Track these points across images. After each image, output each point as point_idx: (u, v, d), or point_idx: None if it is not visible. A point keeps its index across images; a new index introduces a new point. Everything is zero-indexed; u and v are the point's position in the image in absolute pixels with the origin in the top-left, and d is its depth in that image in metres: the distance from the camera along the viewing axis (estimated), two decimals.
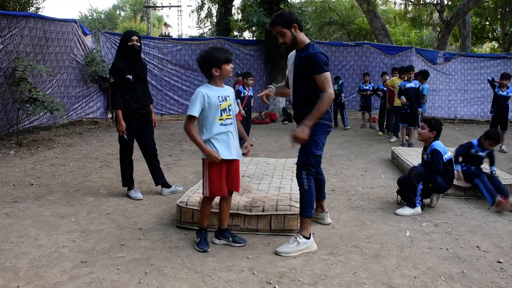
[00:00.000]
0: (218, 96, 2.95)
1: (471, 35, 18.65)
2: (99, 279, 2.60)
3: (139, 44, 4.16)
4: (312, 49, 3.04)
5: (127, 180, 4.33)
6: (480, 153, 4.60)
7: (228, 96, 3.02)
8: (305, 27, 12.17)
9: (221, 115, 2.95)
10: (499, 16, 19.61)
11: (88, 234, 3.34)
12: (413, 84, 7.68)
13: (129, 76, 4.09)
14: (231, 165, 3.04)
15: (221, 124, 2.96)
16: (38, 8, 11.04)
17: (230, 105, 3.03)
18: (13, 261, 2.83)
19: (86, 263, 2.82)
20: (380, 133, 9.41)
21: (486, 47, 29.30)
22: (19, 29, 7.30)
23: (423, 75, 8.34)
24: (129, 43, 4.09)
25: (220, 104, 2.95)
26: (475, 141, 4.62)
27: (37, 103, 6.92)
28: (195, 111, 2.88)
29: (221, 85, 3.06)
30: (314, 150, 3.10)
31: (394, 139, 8.55)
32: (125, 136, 4.15)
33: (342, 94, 10.13)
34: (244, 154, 3.10)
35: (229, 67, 2.97)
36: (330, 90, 2.97)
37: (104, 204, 4.10)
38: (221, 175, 2.98)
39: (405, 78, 7.89)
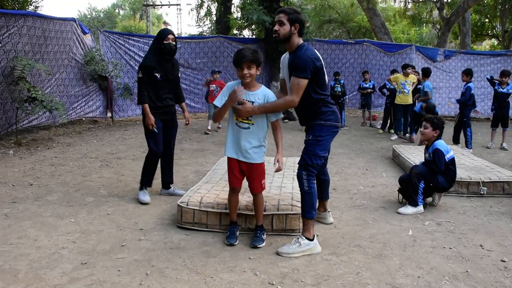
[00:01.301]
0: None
1: (471, 33, 18.60)
2: (100, 281, 2.57)
3: (174, 43, 4.06)
4: (300, 50, 2.98)
5: (144, 180, 4.22)
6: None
7: (252, 102, 2.97)
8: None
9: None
10: (498, 13, 19.56)
11: (88, 235, 3.31)
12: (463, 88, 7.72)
13: (157, 74, 4.00)
14: (244, 166, 3.10)
15: (236, 124, 3.02)
16: (37, 7, 11.00)
17: None
18: (12, 262, 2.80)
19: (86, 265, 2.79)
20: (381, 131, 9.39)
21: (486, 45, 29.23)
22: (17, 28, 7.25)
23: (424, 73, 8.31)
24: (165, 41, 3.98)
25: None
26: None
27: (36, 102, 6.88)
28: (217, 101, 3.04)
29: (252, 87, 3.01)
30: (318, 151, 3.06)
31: (394, 137, 8.53)
32: (155, 129, 4.04)
33: (346, 97, 10.02)
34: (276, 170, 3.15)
35: (240, 72, 2.94)
36: (296, 98, 2.92)
37: (104, 204, 4.07)
38: (230, 169, 3.12)
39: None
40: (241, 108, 2.92)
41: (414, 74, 8.72)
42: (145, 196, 4.15)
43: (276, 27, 3.02)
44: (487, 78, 8.03)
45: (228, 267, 2.78)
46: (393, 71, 9.68)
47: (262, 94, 3.03)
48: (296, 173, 4.35)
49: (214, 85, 8.86)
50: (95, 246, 3.10)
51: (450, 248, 3.17)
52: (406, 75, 8.46)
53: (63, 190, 4.54)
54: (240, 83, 3.03)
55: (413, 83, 8.47)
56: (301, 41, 3.06)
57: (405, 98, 8.41)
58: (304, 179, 3.05)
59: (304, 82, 2.90)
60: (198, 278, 2.64)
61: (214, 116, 3.18)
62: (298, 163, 3.13)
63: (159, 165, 4.38)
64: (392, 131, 8.98)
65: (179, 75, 4.43)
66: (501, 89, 7.45)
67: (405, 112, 8.53)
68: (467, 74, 7.48)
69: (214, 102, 3.11)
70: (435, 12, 19.92)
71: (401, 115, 8.61)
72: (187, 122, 4.41)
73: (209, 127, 8.92)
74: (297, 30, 3.01)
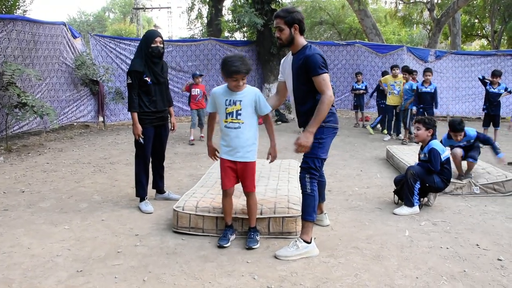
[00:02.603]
0: (226, 100, 3.06)
1: (461, 33, 18.81)
2: None
3: (162, 46, 3.98)
4: (308, 50, 2.98)
5: (139, 190, 4.10)
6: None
7: (240, 101, 3.05)
8: None
9: (226, 118, 3.09)
10: (487, 14, 19.83)
11: (83, 242, 3.26)
12: (429, 89, 7.73)
13: (147, 78, 3.91)
14: (239, 165, 3.14)
15: (225, 126, 3.10)
16: (25, 11, 10.87)
17: (240, 110, 3.05)
18: (5, 272, 2.75)
19: (82, 272, 2.74)
20: (372, 131, 9.41)
21: (476, 45, 29.59)
22: (6, 33, 7.15)
23: (408, 74, 8.39)
24: (153, 45, 3.89)
25: (226, 108, 3.06)
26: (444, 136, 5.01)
27: (27, 107, 6.79)
28: (209, 108, 3.21)
29: (238, 88, 3.07)
30: (320, 153, 3.05)
31: (387, 138, 8.57)
32: (141, 140, 3.99)
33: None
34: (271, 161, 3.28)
35: (233, 82, 3.00)
36: (329, 92, 2.92)
37: (98, 210, 4.02)
38: (224, 170, 3.16)
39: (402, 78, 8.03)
40: (302, 143, 2.90)
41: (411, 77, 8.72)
42: (147, 206, 4.04)
43: (277, 34, 3.04)
44: (478, 78, 8.11)
45: (226, 272, 2.76)
46: (384, 73, 9.75)
47: (249, 92, 3.11)
48: (291, 175, 4.40)
49: (198, 89, 8.06)
50: (90, 253, 3.05)
51: (447, 248, 3.18)
52: (394, 76, 8.52)
53: (56, 197, 4.47)
54: (225, 87, 3.11)
55: (403, 83, 8.52)
56: (304, 41, 3.07)
57: (395, 98, 8.47)
58: (307, 181, 3.04)
59: (327, 75, 2.94)
60: (196, 283, 2.61)
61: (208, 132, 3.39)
62: (300, 166, 3.12)
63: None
64: (385, 132, 9.02)
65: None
66: (493, 89, 7.53)
67: (396, 113, 8.59)
68: (432, 72, 7.81)
69: (207, 109, 3.17)
70: (426, 13, 20.11)
71: (392, 116, 8.66)
72: (172, 128, 4.35)
73: (192, 137, 7.98)
74: (298, 30, 3.01)
